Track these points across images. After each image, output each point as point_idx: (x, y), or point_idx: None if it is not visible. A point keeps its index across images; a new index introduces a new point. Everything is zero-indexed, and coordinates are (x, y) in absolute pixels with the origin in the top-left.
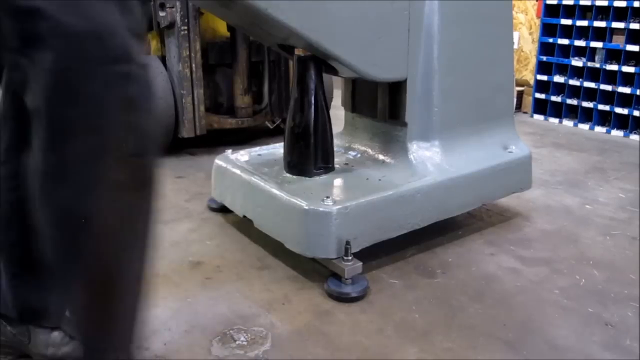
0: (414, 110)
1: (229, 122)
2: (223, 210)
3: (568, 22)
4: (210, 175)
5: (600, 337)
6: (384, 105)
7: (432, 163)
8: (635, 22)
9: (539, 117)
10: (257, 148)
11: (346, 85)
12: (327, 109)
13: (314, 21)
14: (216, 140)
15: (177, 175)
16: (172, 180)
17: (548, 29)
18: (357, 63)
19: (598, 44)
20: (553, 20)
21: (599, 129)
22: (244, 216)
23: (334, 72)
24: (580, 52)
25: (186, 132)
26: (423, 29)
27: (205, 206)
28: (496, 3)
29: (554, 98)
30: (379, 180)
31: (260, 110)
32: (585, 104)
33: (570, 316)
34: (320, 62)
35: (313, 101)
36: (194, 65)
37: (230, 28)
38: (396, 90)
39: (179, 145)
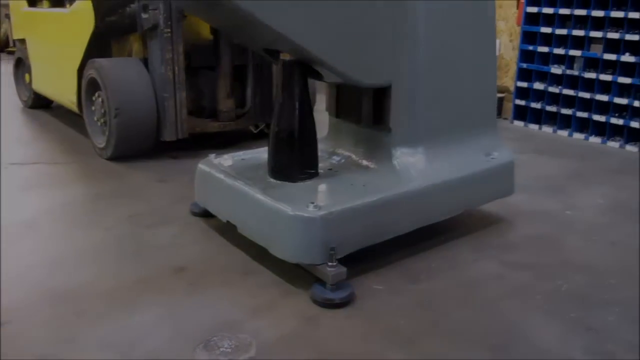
0: (398, 116)
1: (212, 126)
2: (206, 215)
3: (548, 30)
4: (193, 179)
5: (582, 341)
6: (368, 111)
7: (416, 169)
8: (612, 32)
9: (519, 123)
10: (241, 152)
11: (330, 90)
12: (312, 114)
13: (300, 25)
14: (199, 144)
15: (160, 179)
16: (155, 184)
17: (528, 37)
18: (343, 68)
19: (577, 52)
20: (533, 28)
21: (578, 136)
22: (228, 221)
23: (319, 77)
24: (559, 59)
25: (168, 135)
26: (408, 36)
27: (188, 211)
28: (480, 11)
29: (533, 105)
30: (363, 185)
31: (242, 113)
32: (564, 110)
33: (553, 321)
34: (305, 67)
35: (298, 106)
36: (176, 68)
37: (213, 31)
38: (381, 95)
39: (161, 149)
